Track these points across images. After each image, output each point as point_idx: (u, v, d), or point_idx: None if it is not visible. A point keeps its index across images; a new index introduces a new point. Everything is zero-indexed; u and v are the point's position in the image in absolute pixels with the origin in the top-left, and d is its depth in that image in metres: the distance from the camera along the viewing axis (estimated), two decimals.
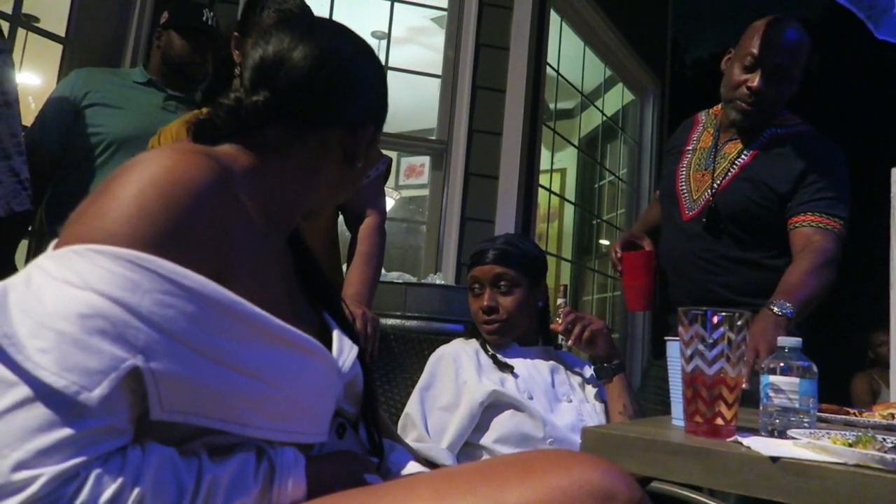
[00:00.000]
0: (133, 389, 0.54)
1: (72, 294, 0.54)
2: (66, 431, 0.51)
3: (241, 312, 0.61)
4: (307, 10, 1.55)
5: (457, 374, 1.46)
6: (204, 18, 2.15)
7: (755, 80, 1.64)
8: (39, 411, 0.51)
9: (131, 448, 0.55)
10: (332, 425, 0.75)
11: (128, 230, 0.57)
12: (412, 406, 1.45)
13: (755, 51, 1.64)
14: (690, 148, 1.86)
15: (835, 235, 1.58)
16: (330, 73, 0.79)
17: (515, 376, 1.46)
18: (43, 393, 0.51)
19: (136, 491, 0.53)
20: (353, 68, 0.82)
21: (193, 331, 0.57)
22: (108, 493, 0.52)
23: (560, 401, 1.48)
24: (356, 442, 0.81)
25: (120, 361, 0.53)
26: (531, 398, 1.44)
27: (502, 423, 1.40)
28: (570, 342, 1.47)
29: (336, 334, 0.81)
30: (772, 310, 1.40)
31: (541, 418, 1.40)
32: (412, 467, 0.89)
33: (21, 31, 2.48)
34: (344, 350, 0.79)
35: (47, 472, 0.50)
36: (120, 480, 0.53)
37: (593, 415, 1.48)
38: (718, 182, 1.72)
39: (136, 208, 0.58)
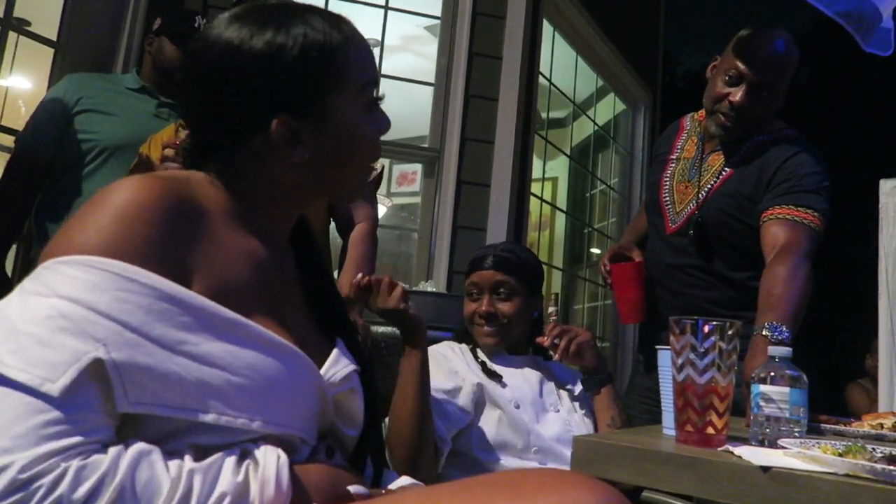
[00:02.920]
0: (103, 382, 0.58)
1: (39, 302, 0.60)
2: (34, 420, 0.55)
3: (192, 305, 0.64)
4: None
5: (447, 361, 1.47)
6: (196, 25, 2.14)
7: (738, 95, 1.57)
8: (11, 404, 0.55)
9: (112, 444, 0.58)
10: (322, 445, 0.75)
11: (84, 240, 0.63)
12: None
13: (739, 64, 1.56)
14: (674, 157, 1.80)
15: (805, 227, 1.48)
16: (200, 93, 0.77)
17: (503, 385, 1.46)
18: (13, 388, 0.55)
19: (115, 483, 0.55)
20: (212, 78, 0.75)
21: (150, 322, 0.61)
22: (86, 485, 0.54)
23: (547, 411, 1.47)
24: (346, 465, 0.80)
25: (81, 354, 0.57)
26: (518, 407, 1.43)
27: (486, 430, 1.40)
28: (556, 356, 1.47)
29: (337, 350, 0.81)
30: (764, 336, 1.29)
31: (525, 429, 1.40)
32: (403, 480, 0.89)
33: (12, 35, 2.47)
34: (339, 363, 0.79)
35: (21, 457, 0.53)
36: (98, 473, 0.55)
37: (581, 426, 1.48)
38: (702, 195, 1.67)
39: (92, 224, 0.64)
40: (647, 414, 1.75)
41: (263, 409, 0.66)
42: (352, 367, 0.80)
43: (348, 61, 0.78)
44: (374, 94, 0.82)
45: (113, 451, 0.57)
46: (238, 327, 0.66)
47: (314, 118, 0.76)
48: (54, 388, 0.55)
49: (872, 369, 3.88)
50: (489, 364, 1.50)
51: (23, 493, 0.52)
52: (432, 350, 1.52)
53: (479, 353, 1.54)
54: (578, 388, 1.56)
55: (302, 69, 0.75)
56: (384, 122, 0.84)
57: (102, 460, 0.56)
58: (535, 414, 1.45)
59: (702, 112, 1.78)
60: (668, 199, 1.77)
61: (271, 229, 0.81)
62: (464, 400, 1.40)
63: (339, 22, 0.80)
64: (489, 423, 1.40)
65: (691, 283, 1.70)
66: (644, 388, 1.82)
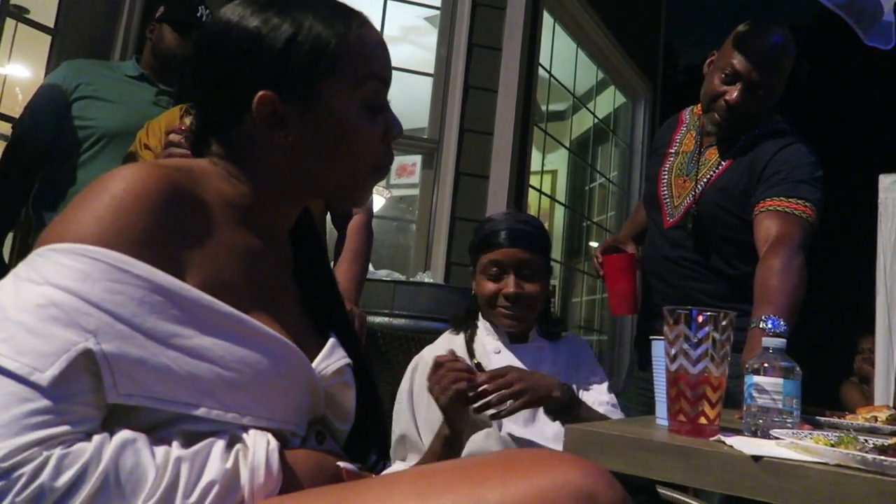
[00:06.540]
0: (93, 373, 0.58)
1: (31, 289, 0.59)
2: (20, 409, 0.54)
3: (185, 298, 0.63)
4: None
5: None
6: (198, 14, 2.13)
7: (734, 94, 1.57)
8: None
9: (97, 433, 0.58)
10: (312, 431, 0.75)
11: (78, 228, 0.63)
12: (404, 425, 1.39)
13: (735, 62, 1.56)
14: (673, 151, 1.81)
15: (797, 218, 1.47)
16: (199, 71, 0.77)
17: None
18: (2, 375, 0.55)
19: (98, 471, 0.55)
20: (208, 54, 0.76)
21: (142, 314, 0.60)
22: (69, 473, 0.54)
23: None
24: (337, 450, 0.80)
25: (71, 344, 0.57)
26: None
27: (474, 441, 1.37)
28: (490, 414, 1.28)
29: (330, 344, 0.80)
30: (762, 329, 1.27)
31: (511, 443, 1.36)
32: (397, 465, 0.89)
33: (10, 22, 2.46)
34: (332, 357, 0.78)
35: (4, 446, 0.53)
36: (82, 461, 0.55)
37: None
38: (699, 189, 1.67)
39: (88, 212, 0.64)
40: (645, 406, 1.75)
41: (254, 403, 0.66)
42: (345, 360, 0.79)
43: (347, 51, 0.76)
44: (380, 93, 0.79)
45: (97, 439, 0.57)
46: (231, 321, 0.66)
47: (302, 103, 0.75)
48: (43, 377, 0.55)
49: (860, 370, 3.89)
50: (483, 365, 1.45)
51: (4, 481, 0.52)
52: (422, 360, 1.46)
53: (476, 346, 1.49)
54: (587, 368, 1.51)
55: (293, 51, 0.74)
56: (392, 125, 0.80)
57: (86, 448, 0.55)
58: (531, 413, 1.39)
59: (699, 106, 1.77)
60: (666, 193, 1.77)
61: (270, 224, 0.80)
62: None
63: (346, 11, 0.78)
64: (477, 438, 1.37)
65: (689, 276, 1.71)
66: (642, 381, 1.82)
